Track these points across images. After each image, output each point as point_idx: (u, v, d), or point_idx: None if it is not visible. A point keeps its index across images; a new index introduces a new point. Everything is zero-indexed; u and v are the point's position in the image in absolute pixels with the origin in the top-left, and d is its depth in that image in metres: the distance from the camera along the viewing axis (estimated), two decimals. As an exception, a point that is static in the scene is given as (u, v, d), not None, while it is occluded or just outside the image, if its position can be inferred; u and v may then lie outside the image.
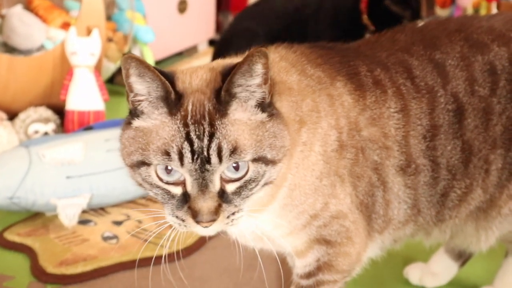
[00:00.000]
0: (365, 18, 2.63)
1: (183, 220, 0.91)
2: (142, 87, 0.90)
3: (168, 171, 0.89)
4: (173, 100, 0.89)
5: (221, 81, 0.89)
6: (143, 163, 0.90)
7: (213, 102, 0.88)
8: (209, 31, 3.97)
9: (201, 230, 0.91)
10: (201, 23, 3.88)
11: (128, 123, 0.93)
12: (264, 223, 1.05)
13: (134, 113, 0.92)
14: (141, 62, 0.87)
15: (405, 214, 1.12)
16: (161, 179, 0.90)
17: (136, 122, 0.92)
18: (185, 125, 0.87)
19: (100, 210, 1.80)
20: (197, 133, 0.86)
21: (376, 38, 1.16)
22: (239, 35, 2.70)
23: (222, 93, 0.88)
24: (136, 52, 2.96)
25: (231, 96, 0.89)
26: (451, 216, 1.16)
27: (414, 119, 1.07)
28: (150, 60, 2.97)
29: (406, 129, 1.06)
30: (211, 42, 4.06)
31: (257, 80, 0.89)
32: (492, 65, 1.11)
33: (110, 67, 2.74)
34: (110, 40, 2.69)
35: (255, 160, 0.89)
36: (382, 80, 1.07)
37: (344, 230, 1.08)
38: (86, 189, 1.71)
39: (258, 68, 0.88)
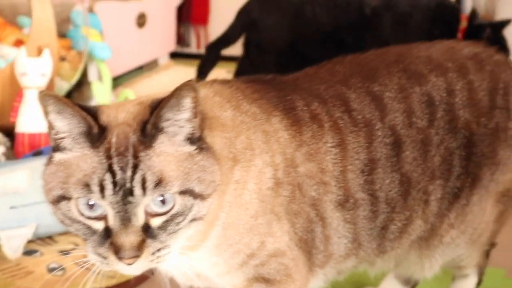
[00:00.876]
0: None
1: (105, 258, 0.86)
2: (62, 124, 0.87)
3: (90, 206, 0.85)
4: (95, 133, 0.86)
5: (149, 114, 0.87)
6: (63, 198, 0.86)
7: (138, 134, 0.85)
8: (170, 44, 3.94)
9: (124, 268, 0.87)
10: (161, 36, 3.84)
11: (50, 159, 0.90)
12: (199, 262, 1.02)
13: (57, 149, 0.89)
14: (59, 99, 0.85)
15: (345, 248, 1.10)
16: (82, 214, 0.86)
17: (58, 156, 0.88)
18: (108, 157, 0.84)
19: (48, 239, 1.75)
20: (120, 164, 0.83)
21: (315, 70, 1.15)
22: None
23: (148, 127, 0.85)
24: (92, 69, 2.92)
25: (158, 130, 0.86)
26: (393, 247, 1.15)
27: (351, 153, 1.05)
28: (107, 78, 2.92)
29: (344, 164, 1.05)
30: (172, 55, 4.04)
31: (186, 114, 0.87)
32: (430, 96, 1.10)
33: (63, 86, 2.69)
34: (63, 59, 2.64)
35: (182, 192, 0.86)
36: (319, 114, 1.05)
37: (283, 268, 1.05)
38: (32, 218, 1.67)
39: (187, 102, 0.86)
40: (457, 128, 1.12)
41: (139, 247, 0.84)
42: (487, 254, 1.38)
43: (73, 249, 1.69)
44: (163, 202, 0.85)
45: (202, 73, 2.77)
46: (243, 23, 2.69)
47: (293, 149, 1.02)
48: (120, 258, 0.85)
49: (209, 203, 0.90)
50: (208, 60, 2.81)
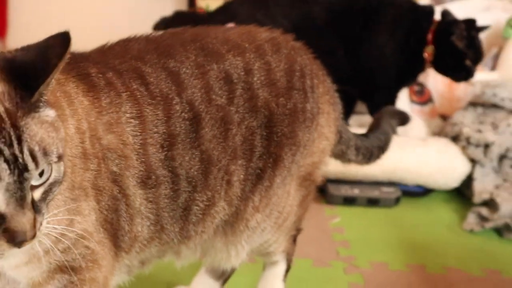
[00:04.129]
0: (428, 49, 2.44)
1: None
2: None
3: None
4: None
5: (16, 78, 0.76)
6: None
7: (13, 100, 0.75)
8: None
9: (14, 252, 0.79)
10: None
11: None
12: None
13: None
14: None
15: (148, 230, 1.04)
16: None
17: None
18: None
19: None
20: (2, 139, 0.72)
21: (108, 47, 1.08)
22: None
23: (36, 94, 0.77)
24: None
25: (41, 95, 0.78)
26: (197, 231, 1.11)
27: (150, 126, 1.00)
28: None
29: (144, 137, 0.99)
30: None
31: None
32: (228, 74, 1.09)
33: None
34: None
35: (58, 158, 0.79)
36: (115, 83, 0.99)
37: (90, 252, 0.96)
38: None
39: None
40: (257, 107, 1.12)
41: (34, 225, 0.76)
42: (294, 240, 1.40)
43: None
44: (41, 172, 0.77)
45: None
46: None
47: (95, 117, 0.95)
48: (20, 243, 0.75)
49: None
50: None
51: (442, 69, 2.46)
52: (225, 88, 1.08)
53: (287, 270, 1.43)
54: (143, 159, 0.99)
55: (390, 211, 2.14)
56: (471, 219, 2.03)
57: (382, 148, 1.50)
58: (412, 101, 2.89)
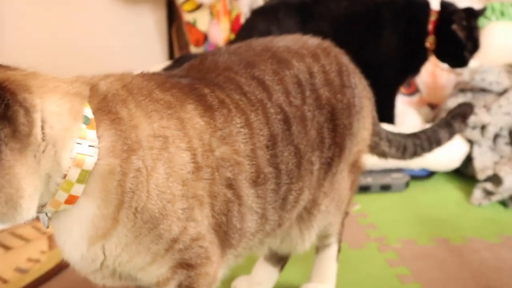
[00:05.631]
0: (429, 39, 2.58)
1: None
2: None
3: None
4: None
5: None
6: None
7: None
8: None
9: None
10: None
11: None
12: (116, 252, 1.01)
13: None
14: None
15: (256, 224, 1.18)
16: None
17: None
18: None
19: None
20: None
21: (197, 64, 1.21)
22: None
23: None
24: None
25: None
26: (288, 218, 1.26)
27: (256, 130, 1.14)
28: None
29: (253, 142, 1.12)
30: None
31: None
32: (298, 78, 1.24)
33: None
34: None
35: None
36: (224, 99, 1.12)
37: (203, 251, 1.09)
38: None
39: None
40: (322, 104, 1.27)
41: None
42: (343, 223, 1.56)
43: None
44: None
45: None
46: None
47: (209, 135, 1.07)
48: None
49: None
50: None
51: (443, 58, 2.64)
52: (298, 91, 1.23)
53: (339, 250, 1.58)
54: (253, 162, 1.12)
55: (402, 194, 2.33)
56: (477, 194, 2.22)
57: (420, 146, 1.62)
58: (402, 93, 3.09)
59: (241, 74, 1.18)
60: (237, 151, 1.10)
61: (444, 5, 2.60)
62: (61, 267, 1.66)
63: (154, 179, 1.00)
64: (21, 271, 1.64)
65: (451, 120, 1.64)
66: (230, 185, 1.10)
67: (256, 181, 1.14)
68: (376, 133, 1.55)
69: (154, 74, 1.13)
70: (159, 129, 1.01)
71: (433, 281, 1.67)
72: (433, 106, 3.05)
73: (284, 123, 1.18)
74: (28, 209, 0.91)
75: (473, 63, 2.86)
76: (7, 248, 1.75)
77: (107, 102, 0.99)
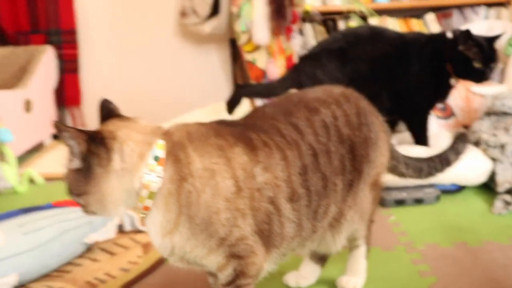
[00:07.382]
0: (448, 65, 2.91)
1: None
2: None
3: None
4: None
5: None
6: None
7: None
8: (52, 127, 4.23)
9: None
10: (44, 119, 4.14)
11: None
12: (181, 243, 1.47)
13: None
14: None
15: (293, 230, 1.57)
16: None
17: None
18: None
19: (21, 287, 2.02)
20: None
21: (253, 113, 1.65)
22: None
23: None
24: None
25: None
26: (320, 227, 1.65)
27: (292, 163, 1.53)
28: (13, 159, 3.21)
29: (289, 171, 1.53)
30: (55, 137, 4.33)
31: None
32: (324, 122, 1.64)
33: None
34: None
35: None
36: (267, 141, 1.52)
37: (249, 247, 1.50)
38: (10, 270, 1.95)
39: None
40: (343, 140, 1.68)
41: None
42: (369, 228, 1.97)
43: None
44: None
45: (230, 108, 3.01)
46: (294, 81, 2.97)
47: (252, 166, 1.48)
48: None
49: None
50: (234, 99, 3.00)
51: (461, 76, 2.90)
52: (324, 131, 1.63)
53: (367, 250, 1.99)
54: (289, 185, 1.53)
55: (433, 207, 2.70)
56: (498, 204, 2.56)
57: (434, 167, 1.97)
58: (438, 117, 3.44)
59: (281, 121, 1.59)
60: (277, 177, 1.51)
61: (443, 36, 2.96)
62: (154, 267, 2.18)
63: (203, 197, 1.43)
64: (124, 270, 2.15)
65: (454, 144, 2.04)
66: (272, 201, 1.51)
67: (292, 199, 1.54)
68: (395, 157, 1.95)
69: (215, 122, 1.56)
70: (209, 164, 1.44)
71: (448, 275, 2.03)
72: (466, 127, 3.39)
73: (313, 156, 1.58)
74: (111, 209, 1.43)
75: (500, 88, 3.19)
76: (112, 253, 2.28)
77: (173, 147, 1.45)
